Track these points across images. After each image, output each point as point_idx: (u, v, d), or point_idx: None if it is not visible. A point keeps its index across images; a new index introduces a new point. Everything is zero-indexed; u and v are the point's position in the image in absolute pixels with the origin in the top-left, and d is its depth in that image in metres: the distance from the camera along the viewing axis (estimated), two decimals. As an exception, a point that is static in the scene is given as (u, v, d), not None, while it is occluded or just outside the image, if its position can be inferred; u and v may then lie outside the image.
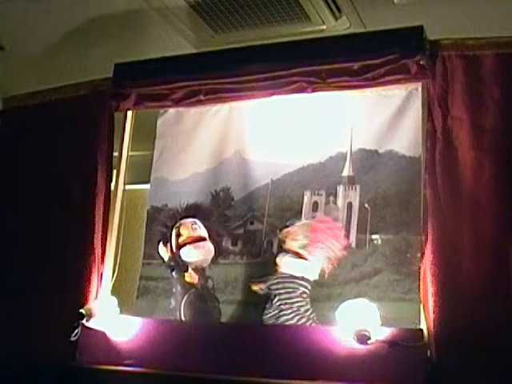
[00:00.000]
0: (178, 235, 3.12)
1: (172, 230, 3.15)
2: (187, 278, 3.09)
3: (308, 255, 2.90)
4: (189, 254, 3.09)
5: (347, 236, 2.96)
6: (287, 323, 2.84)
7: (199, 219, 3.16)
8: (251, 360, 2.68)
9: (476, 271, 2.50)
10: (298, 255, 2.92)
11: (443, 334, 2.47)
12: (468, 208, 2.59)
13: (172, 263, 3.12)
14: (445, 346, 2.45)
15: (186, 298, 3.05)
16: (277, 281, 2.92)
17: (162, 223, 3.22)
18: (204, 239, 3.13)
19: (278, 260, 2.96)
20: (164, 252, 3.16)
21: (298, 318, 2.85)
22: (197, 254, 3.10)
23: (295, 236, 2.95)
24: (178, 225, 3.15)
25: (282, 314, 2.87)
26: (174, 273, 3.10)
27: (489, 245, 2.52)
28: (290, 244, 2.94)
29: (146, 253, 3.35)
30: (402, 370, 2.46)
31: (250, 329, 2.88)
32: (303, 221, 3.02)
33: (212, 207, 3.28)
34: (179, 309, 3.05)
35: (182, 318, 3.04)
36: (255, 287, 2.97)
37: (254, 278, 3.03)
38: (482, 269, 2.50)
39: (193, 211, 3.20)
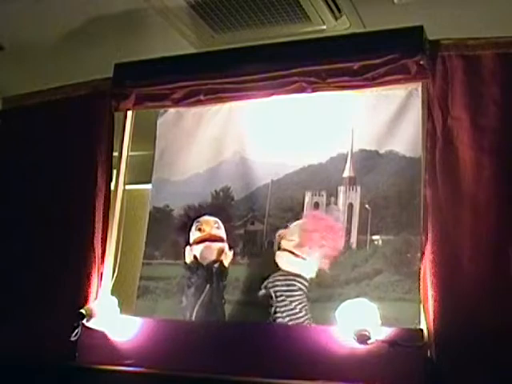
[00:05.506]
0: (200, 230, 3.12)
1: (193, 223, 3.15)
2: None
3: (303, 254, 2.92)
4: (203, 251, 3.06)
5: (348, 237, 2.96)
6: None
7: (221, 219, 3.16)
8: (251, 360, 2.68)
9: (476, 271, 2.50)
10: (294, 254, 2.93)
11: (443, 334, 2.46)
12: (468, 208, 2.58)
13: (196, 266, 3.08)
14: (445, 346, 2.45)
15: (202, 298, 3.02)
16: (273, 279, 2.93)
17: (184, 214, 3.22)
18: (223, 240, 3.11)
19: (276, 257, 2.98)
20: (188, 252, 3.13)
21: (288, 318, 2.85)
22: (210, 253, 3.07)
23: (289, 237, 2.97)
24: (200, 219, 3.14)
25: (277, 316, 2.88)
26: (197, 273, 3.06)
27: (489, 245, 2.52)
28: (285, 244, 2.96)
29: (146, 253, 3.36)
30: (402, 370, 2.46)
31: (249, 328, 2.87)
32: (299, 221, 3.02)
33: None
34: (192, 308, 3.02)
35: (193, 317, 3.01)
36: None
37: (254, 278, 3.03)
38: (481, 269, 2.50)
39: (215, 210, 3.20)
